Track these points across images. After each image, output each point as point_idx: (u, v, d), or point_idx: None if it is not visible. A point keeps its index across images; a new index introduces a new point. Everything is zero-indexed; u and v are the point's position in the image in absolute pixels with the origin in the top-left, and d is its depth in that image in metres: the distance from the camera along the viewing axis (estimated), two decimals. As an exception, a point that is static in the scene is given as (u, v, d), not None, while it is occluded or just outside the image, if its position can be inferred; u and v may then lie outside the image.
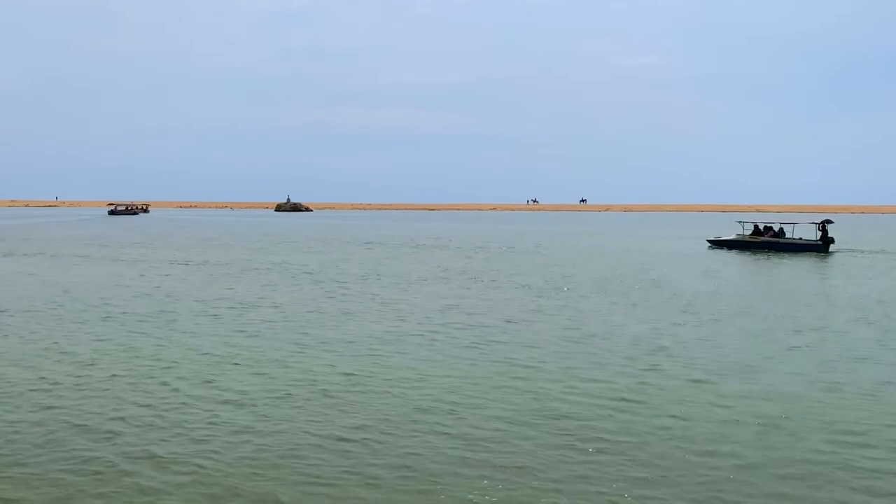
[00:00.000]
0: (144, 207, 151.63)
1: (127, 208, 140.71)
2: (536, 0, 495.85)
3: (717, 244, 48.94)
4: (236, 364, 14.31)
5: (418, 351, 15.70)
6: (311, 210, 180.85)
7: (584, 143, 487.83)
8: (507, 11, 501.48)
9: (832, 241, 44.88)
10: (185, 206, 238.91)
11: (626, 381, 13.10)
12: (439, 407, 11.56)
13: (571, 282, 28.93)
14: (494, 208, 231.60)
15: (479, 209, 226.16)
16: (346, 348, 15.93)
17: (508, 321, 19.46)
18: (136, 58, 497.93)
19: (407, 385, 12.86)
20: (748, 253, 44.30)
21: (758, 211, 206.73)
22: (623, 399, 12.02)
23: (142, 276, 30.63)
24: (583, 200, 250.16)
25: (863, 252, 45.38)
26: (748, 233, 47.74)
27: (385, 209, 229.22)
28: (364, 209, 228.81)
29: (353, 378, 13.35)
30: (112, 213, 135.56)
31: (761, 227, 47.47)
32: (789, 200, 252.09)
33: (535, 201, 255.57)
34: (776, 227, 46.90)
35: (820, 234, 44.97)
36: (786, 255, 42.76)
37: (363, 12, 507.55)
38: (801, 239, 45.81)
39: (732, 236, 49.13)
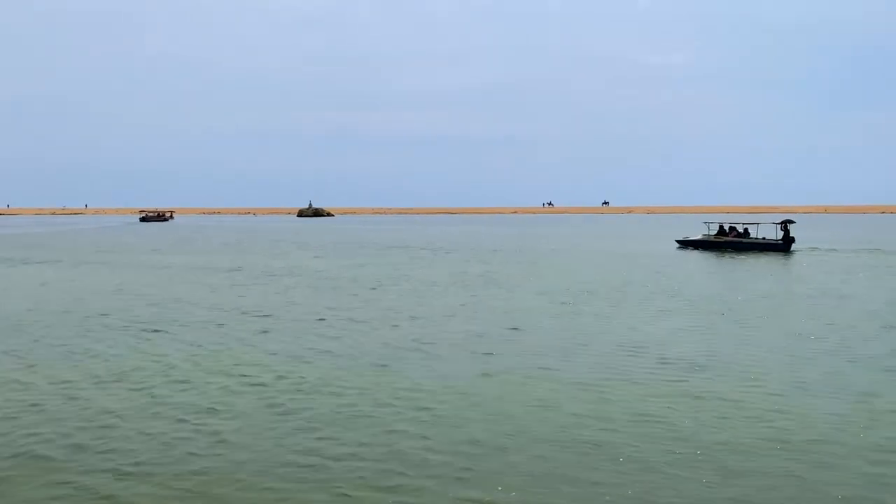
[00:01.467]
0: (171, 215, 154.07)
1: (158, 215, 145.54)
2: (558, 1, 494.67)
3: (685, 244, 50.61)
4: (282, 377, 13.79)
5: (417, 365, 15.38)
6: (333, 215, 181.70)
7: (607, 144, 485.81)
8: (528, 12, 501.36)
9: (793, 240, 46.59)
10: (208, 213, 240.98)
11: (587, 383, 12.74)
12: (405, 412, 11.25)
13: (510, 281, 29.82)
14: (515, 212, 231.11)
15: (500, 212, 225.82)
16: (359, 357, 15.65)
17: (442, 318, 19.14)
18: (159, 64, 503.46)
19: (406, 399, 12.55)
20: (713, 252, 46.03)
21: (785, 212, 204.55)
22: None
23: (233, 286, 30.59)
24: (605, 203, 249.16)
25: (822, 250, 47.27)
26: (713, 233, 49.54)
27: (406, 213, 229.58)
28: (385, 213, 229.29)
29: (366, 389, 13.06)
30: (143, 220, 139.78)
31: (726, 227, 49.41)
32: (819, 201, 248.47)
33: (550, 204, 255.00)
34: (740, 228, 48.76)
35: (782, 233, 46.72)
36: (749, 253, 44.42)
37: (383, 16, 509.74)
38: (763, 239, 47.54)
39: (699, 237, 50.79)
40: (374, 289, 27.70)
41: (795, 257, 42.42)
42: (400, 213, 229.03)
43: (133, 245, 61.18)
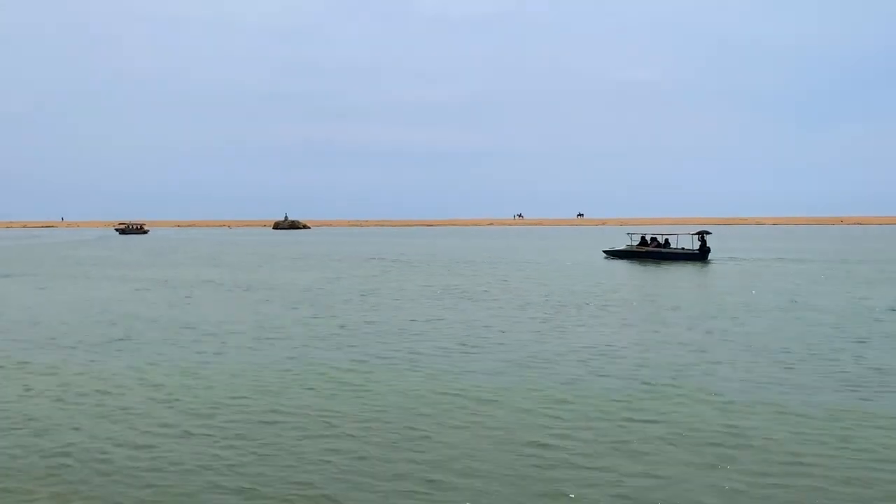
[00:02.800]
0: (143, 227, 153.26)
1: (136, 228, 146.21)
2: (534, 14, 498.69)
3: (611, 254, 53.15)
4: (311, 388, 14.27)
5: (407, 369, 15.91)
6: (309, 227, 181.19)
7: (582, 156, 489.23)
8: (504, 26, 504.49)
9: (709, 250, 49.04)
10: (184, 225, 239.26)
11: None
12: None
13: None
14: (492, 223, 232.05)
15: (477, 224, 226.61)
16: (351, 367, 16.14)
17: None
18: (135, 77, 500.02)
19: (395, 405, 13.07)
20: (636, 261, 48.77)
21: (756, 223, 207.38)
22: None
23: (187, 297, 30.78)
24: (580, 215, 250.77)
25: (735, 259, 50.09)
26: (636, 243, 52.17)
27: (383, 225, 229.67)
28: (361, 226, 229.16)
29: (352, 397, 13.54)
30: (122, 232, 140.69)
31: (648, 238, 52.04)
32: (787, 212, 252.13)
33: (520, 216, 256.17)
34: (661, 239, 51.21)
35: (699, 244, 49.05)
36: (668, 262, 47.06)
37: (361, 28, 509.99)
38: (682, 249, 50.16)
39: (623, 247, 53.32)
40: (345, 301, 28.18)
41: (711, 266, 45.00)
42: (377, 226, 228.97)
43: (108, 260, 60.93)
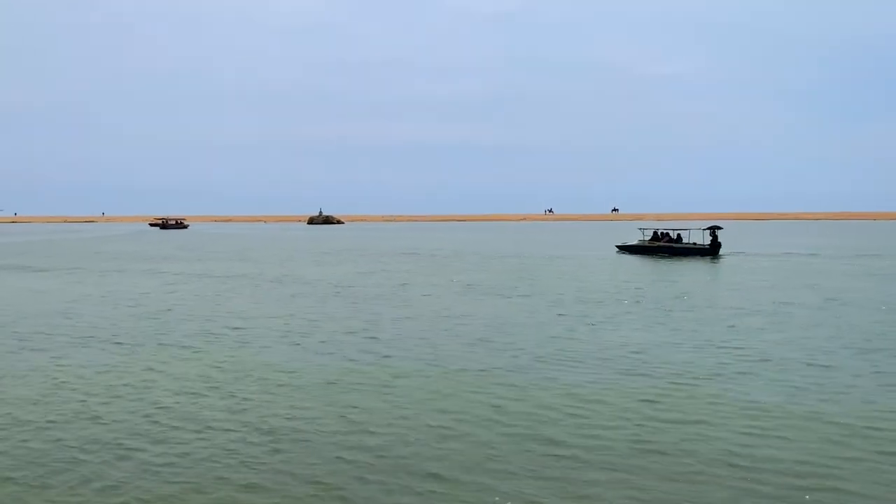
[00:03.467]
0: (183, 222, 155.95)
1: (176, 223, 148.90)
2: (559, 9, 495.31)
3: (624, 249, 53.73)
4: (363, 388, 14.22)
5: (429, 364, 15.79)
6: (343, 223, 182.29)
7: (617, 152, 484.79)
8: (531, 21, 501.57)
9: (720, 245, 49.23)
10: (220, 220, 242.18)
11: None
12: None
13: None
14: (524, 218, 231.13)
15: (509, 219, 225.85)
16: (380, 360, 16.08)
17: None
18: (167, 75, 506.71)
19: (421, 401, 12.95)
20: (648, 256, 49.14)
21: (794, 218, 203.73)
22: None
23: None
24: (615, 210, 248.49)
25: (746, 254, 50.42)
26: (648, 238, 52.51)
27: (415, 220, 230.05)
28: (395, 221, 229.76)
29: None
30: (163, 227, 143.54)
31: (660, 233, 52.30)
32: (822, 208, 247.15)
33: (550, 211, 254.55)
34: (673, 234, 51.46)
35: (710, 239, 49.28)
36: (680, 257, 47.61)
37: (387, 25, 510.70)
38: (694, 244, 50.38)
39: (635, 242, 53.80)
40: (372, 298, 28.17)
41: (722, 260, 45.64)
42: (409, 221, 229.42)
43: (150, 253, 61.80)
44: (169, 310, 24.06)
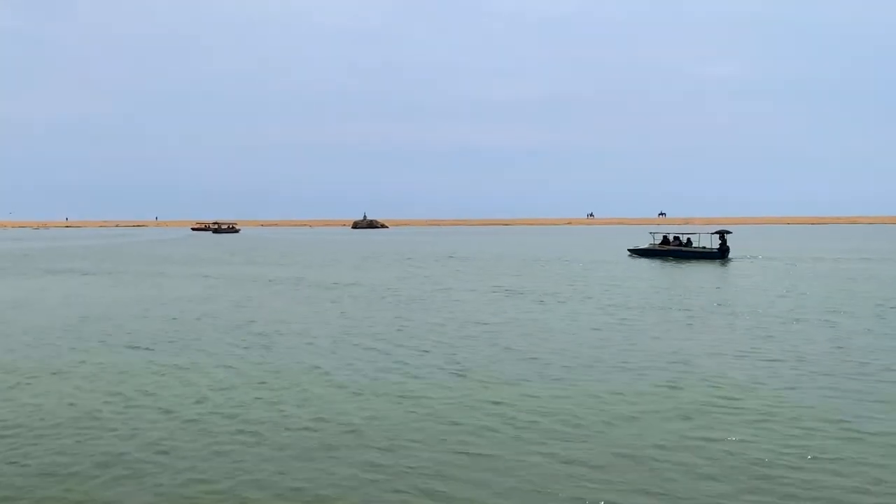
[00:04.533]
0: (234, 227, 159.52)
1: (229, 227, 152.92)
2: (611, 12, 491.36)
3: (636, 252, 54.58)
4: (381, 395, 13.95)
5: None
6: (387, 227, 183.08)
7: (664, 155, 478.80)
8: (581, 24, 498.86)
9: (728, 249, 50.34)
10: (268, 225, 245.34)
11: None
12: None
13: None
14: (570, 223, 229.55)
15: (554, 224, 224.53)
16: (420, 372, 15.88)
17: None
18: (218, 82, 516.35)
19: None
20: (658, 259, 50.36)
21: (849, 222, 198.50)
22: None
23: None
24: (662, 214, 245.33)
25: (753, 258, 51.37)
26: (658, 242, 54.05)
27: (459, 224, 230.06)
28: (439, 225, 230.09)
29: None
30: (216, 231, 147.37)
31: (670, 237, 53.74)
32: (879, 211, 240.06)
33: (591, 215, 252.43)
34: (683, 238, 52.74)
35: (719, 243, 50.46)
36: (690, 261, 48.56)
37: (438, 29, 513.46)
38: (703, 248, 51.38)
39: (647, 246, 54.97)
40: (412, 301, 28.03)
41: (731, 264, 46.53)
42: (453, 225, 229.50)
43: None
44: (207, 314, 24.21)
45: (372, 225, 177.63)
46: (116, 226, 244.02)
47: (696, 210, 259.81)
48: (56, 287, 34.54)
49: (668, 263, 47.06)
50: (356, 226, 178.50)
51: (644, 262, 48.18)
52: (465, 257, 57.07)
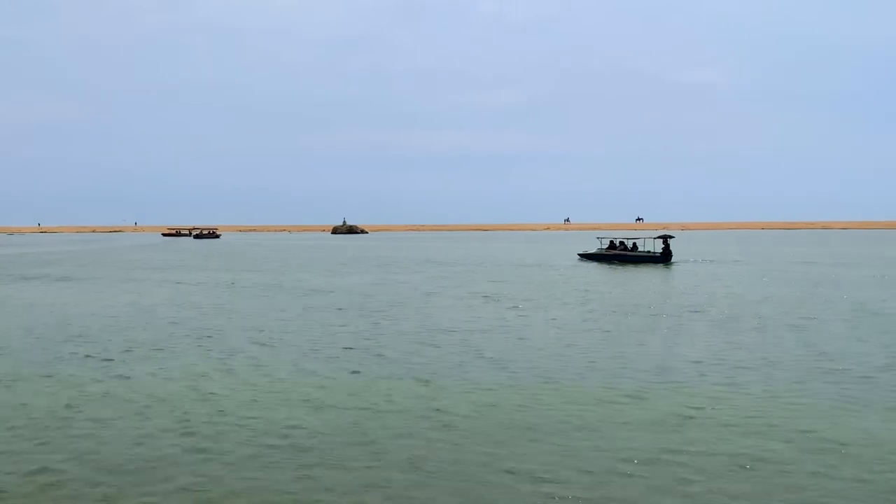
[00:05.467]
0: (215, 232, 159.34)
1: (209, 233, 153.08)
2: (593, 18, 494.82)
3: (584, 257, 57.11)
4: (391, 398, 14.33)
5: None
6: (367, 232, 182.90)
7: (643, 160, 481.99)
8: (565, 30, 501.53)
9: (671, 254, 52.52)
10: (245, 230, 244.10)
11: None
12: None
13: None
14: (549, 228, 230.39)
15: (533, 229, 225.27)
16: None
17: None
18: (199, 85, 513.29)
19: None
20: (605, 263, 52.53)
21: (822, 227, 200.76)
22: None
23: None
24: (639, 219, 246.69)
25: (694, 262, 53.87)
26: (605, 247, 56.46)
27: (440, 230, 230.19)
28: (420, 230, 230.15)
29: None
30: (197, 237, 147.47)
31: (616, 242, 56.27)
32: (854, 216, 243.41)
33: (567, 221, 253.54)
34: (629, 243, 55.23)
35: (662, 247, 52.68)
36: (634, 265, 50.55)
37: (422, 34, 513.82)
38: (648, 252, 53.66)
39: (594, 250, 57.30)
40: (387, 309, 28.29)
41: (673, 267, 48.71)
42: (434, 230, 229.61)
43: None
44: (189, 320, 24.33)
45: (352, 230, 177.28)
46: (93, 231, 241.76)
47: (674, 216, 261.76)
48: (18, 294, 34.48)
49: (613, 267, 49.69)
50: (336, 231, 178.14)
51: (592, 266, 50.82)
52: (418, 262, 57.60)
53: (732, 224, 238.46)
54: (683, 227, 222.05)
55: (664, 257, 52.01)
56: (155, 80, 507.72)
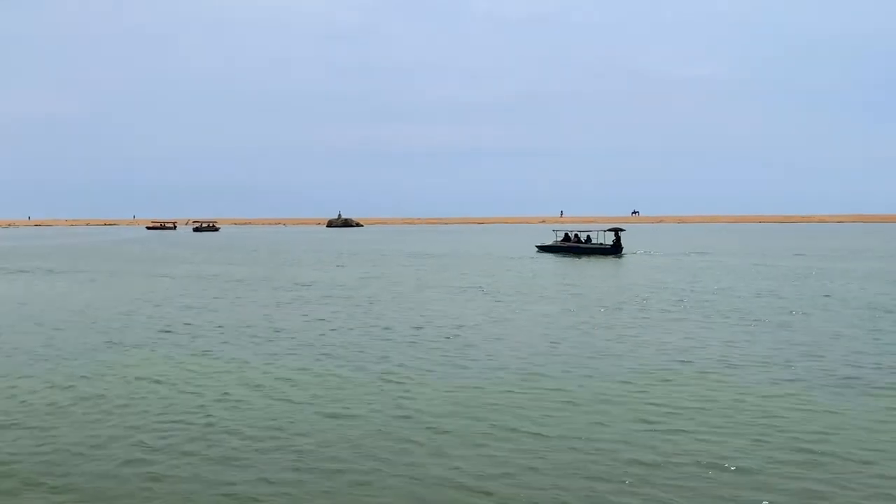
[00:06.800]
0: (215, 225, 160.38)
1: (209, 226, 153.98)
2: (589, 12, 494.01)
3: (542, 248, 59.70)
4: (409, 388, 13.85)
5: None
6: (362, 225, 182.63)
7: (638, 154, 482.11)
8: (556, 24, 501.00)
9: (622, 247, 54.39)
10: (240, 223, 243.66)
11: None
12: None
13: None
14: (544, 221, 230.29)
15: (529, 222, 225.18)
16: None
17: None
18: (190, 79, 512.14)
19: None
20: (561, 255, 54.75)
21: (819, 221, 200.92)
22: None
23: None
24: (635, 212, 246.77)
25: (643, 253, 55.99)
26: (560, 239, 58.68)
27: (434, 223, 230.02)
28: (414, 224, 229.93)
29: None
30: (197, 230, 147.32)
31: (571, 235, 58.27)
32: (850, 210, 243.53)
33: (562, 214, 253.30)
34: (583, 236, 57.20)
35: (613, 240, 54.27)
36: (587, 256, 52.68)
37: (413, 29, 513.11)
38: (600, 244, 55.47)
39: (550, 242, 59.89)
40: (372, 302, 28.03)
41: (623, 259, 50.65)
42: (428, 223, 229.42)
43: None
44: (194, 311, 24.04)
45: (347, 223, 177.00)
46: (87, 224, 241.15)
47: (670, 209, 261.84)
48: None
49: (566, 258, 51.98)
50: (331, 224, 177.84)
51: (548, 257, 53.27)
52: (386, 254, 57.46)
53: (728, 217, 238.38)
54: (680, 220, 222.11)
55: (615, 249, 53.64)
56: (146, 74, 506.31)
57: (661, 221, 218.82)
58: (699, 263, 45.56)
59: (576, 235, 57.68)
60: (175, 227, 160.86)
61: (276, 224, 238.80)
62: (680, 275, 37.11)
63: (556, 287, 31.17)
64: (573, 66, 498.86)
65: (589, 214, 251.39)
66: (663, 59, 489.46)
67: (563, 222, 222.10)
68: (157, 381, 13.87)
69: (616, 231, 54.83)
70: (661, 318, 21.64)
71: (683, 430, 10.63)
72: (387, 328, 20.05)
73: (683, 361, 15.36)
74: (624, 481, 8.81)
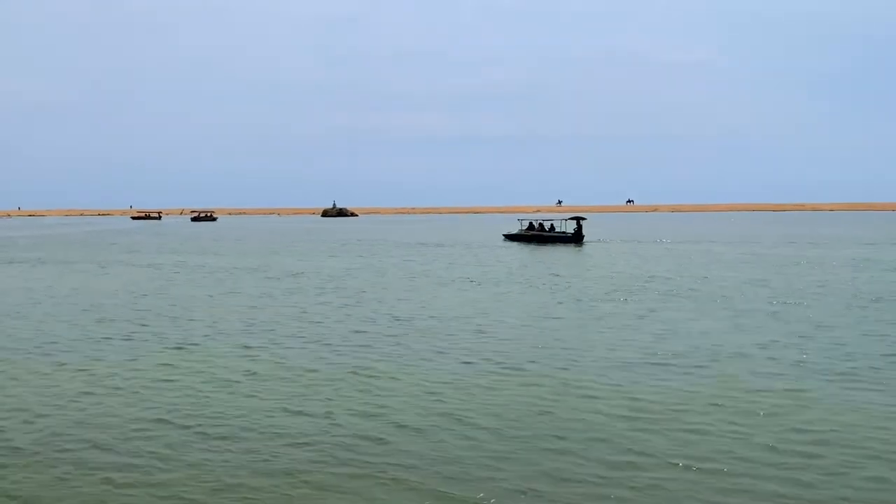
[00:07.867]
0: (212, 215, 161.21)
1: (206, 215, 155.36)
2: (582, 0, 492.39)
3: (508, 237, 61.72)
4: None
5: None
6: (357, 215, 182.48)
7: (632, 142, 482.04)
8: (551, 11, 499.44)
9: (583, 235, 56.79)
10: (235, 213, 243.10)
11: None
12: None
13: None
14: (539, 210, 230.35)
15: (523, 211, 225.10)
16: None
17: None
18: (183, 67, 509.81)
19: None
20: (525, 243, 56.82)
21: (812, 209, 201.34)
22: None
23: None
24: (629, 201, 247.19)
25: (603, 241, 58.72)
26: (525, 228, 60.66)
27: (429, 213, 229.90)
28: (410, 213, 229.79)
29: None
30: (195, 219, 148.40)
31: (536, 224, 60.32)
32: (846, 198, 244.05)
33: (560, 203, 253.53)
34: (546, 225, 59.22)
35: (574, 228, 56.74)
36: (549, 244, 54.90)
37: (407, 16, 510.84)
38: (563, 232, 57.70)
39: (516, 231, 61.90)
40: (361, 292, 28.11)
41: (584, 247, 52.94)
42: (424, 213, 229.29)
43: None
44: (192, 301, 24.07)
45: (342, 213, 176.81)
46: (81, 214, 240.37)
47: (665, 197, 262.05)
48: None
49: (529, 246, 54.36)
50: (326, 214, 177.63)
51: (514, 245, 55.40)
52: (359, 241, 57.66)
53: (723, 206, 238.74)
54: (673, 209, 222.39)
55: (576, 238, 56.10)
56: (137, 62, 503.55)
57: (655, 210, 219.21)
58: (652, 251, 48.59)
59: (540, 224, 59.71)
60: (160, 217, 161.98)
61: (270, 213, 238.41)
62: (633, 261, 40.02)
63: (508, 273, 33.39)
64: (567, 53, 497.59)
65: (586, 203, 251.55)
66: (656, 44, 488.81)
67: (562, 211, 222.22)
68: (113, 376, 14.01)
69: (578, 220, 57.02)
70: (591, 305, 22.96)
71: (665, 430, 10.51)
72: (339, 321, 20.23)
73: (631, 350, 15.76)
74: (603, 477, 8.90)
